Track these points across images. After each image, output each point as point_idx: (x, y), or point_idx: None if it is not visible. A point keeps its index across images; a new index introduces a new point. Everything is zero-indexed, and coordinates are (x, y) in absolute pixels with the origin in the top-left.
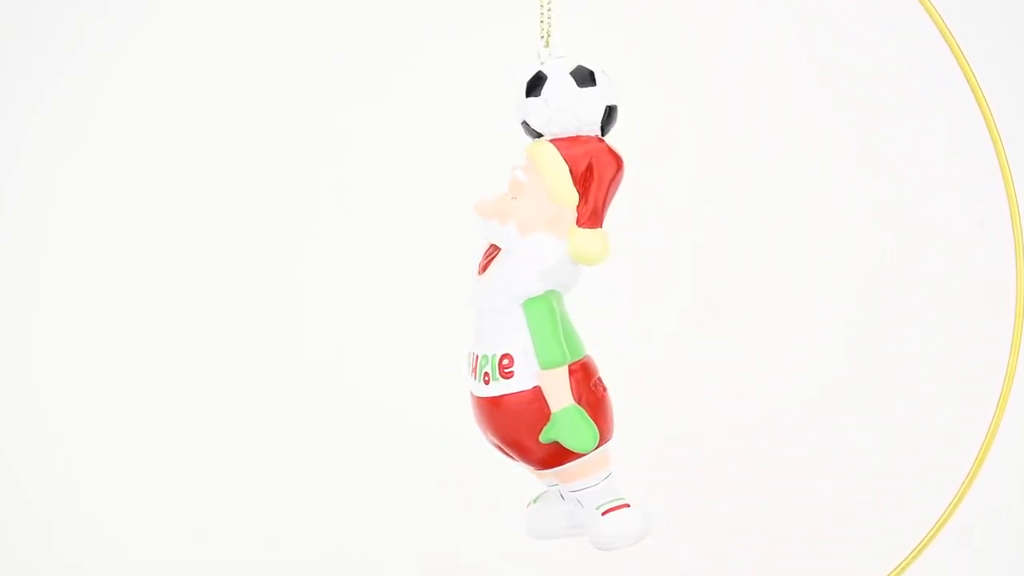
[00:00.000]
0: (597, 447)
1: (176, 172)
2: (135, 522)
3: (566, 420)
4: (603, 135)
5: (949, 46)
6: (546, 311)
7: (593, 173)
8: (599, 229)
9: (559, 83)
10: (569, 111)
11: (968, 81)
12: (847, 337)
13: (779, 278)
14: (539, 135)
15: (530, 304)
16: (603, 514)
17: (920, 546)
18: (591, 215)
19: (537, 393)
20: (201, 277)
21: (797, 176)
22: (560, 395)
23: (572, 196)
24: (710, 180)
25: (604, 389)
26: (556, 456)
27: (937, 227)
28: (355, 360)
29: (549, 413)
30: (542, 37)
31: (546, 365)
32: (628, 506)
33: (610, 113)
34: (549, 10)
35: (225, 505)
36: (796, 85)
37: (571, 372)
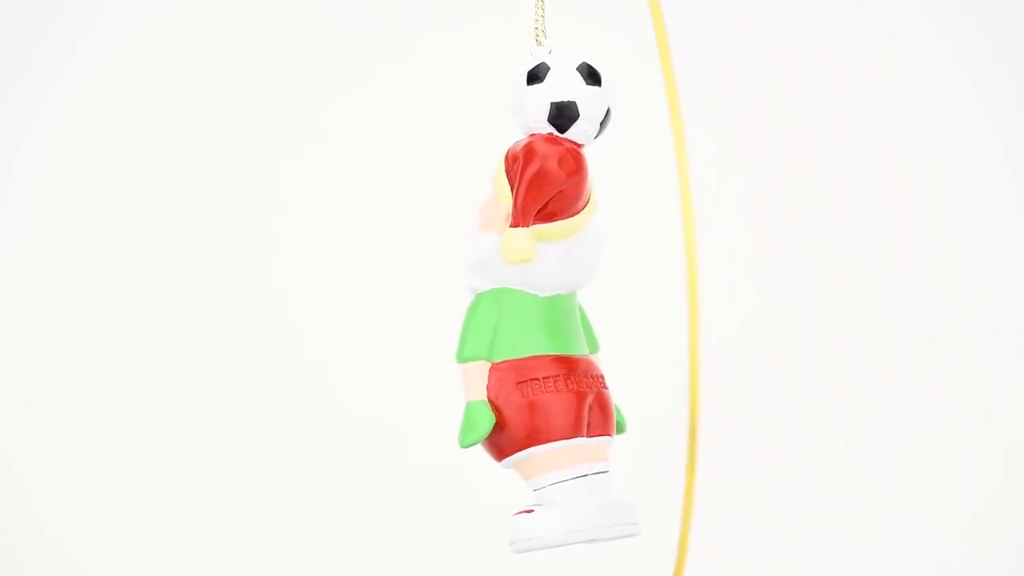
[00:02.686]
0: (516, 451)
1: (172, 175)
2: (133, 520)
3: (464, 413)
4: (561, 132)
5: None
6: (474, 308)
7: (519, 171)
8: (519, 228)
9: (515, 81)
10: (519, 109)
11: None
12: (855, 342)
13: (785, 281)
14: None
15: (473, 299)
16: (514, 515)
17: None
18: (513, 213)
19: None
20: (200, 278)
21: (800, 177)
22: (466, 389)
23: (506, 193)
24: (718, 180)
25: (547, 392)
26: (493, 449)
27: (946, 231)
28: (353, 358)
29: None
30: (537, 32)
31: (456, 358)
32: (531, 511)
33: (567, 110)
34: (543, 9)
35: (223, 504)
36: (799, 86)
37: (495, 369)
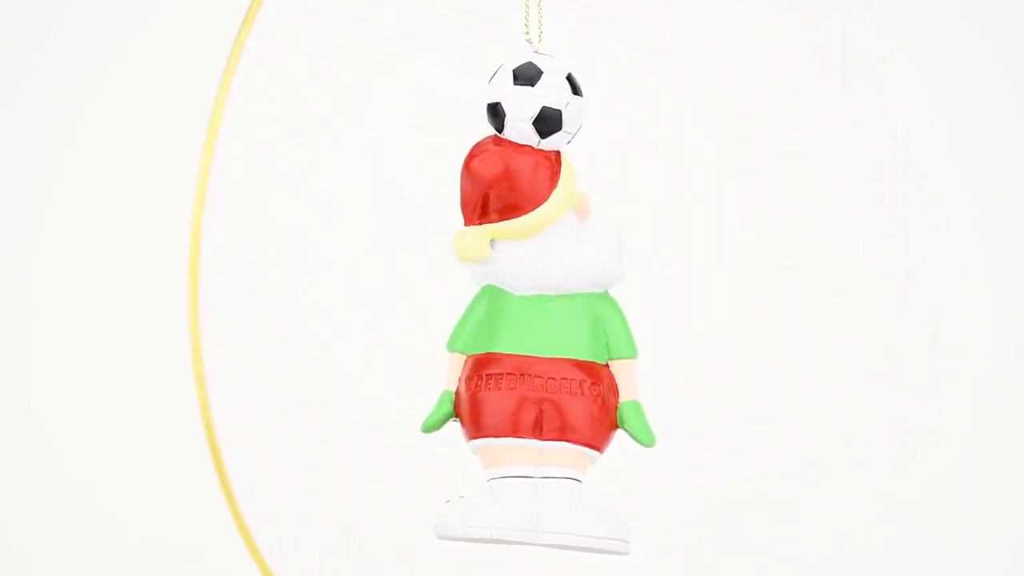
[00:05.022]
0: (472, 439)
1: (172, 176)
2: (133, 521)
3: None
4: (500, 133)
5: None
6: (470, 302)
7: None
8: (467, 227)
9: None
10: None
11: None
12: (855, 342)
13: (785, 281)
14: None
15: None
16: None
17: None
18: None
19: None
20: (199, 278)
21: (800, 177)
22: (445, 378)
23: None
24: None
25: (486, 390)
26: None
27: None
28: (355, 357)
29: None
30: (527, 31)
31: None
32: (448, 502)
33: (493, 110)
34: (538, 9)
35: (224, 504)
36: (803, 91)
37: (466, 363)
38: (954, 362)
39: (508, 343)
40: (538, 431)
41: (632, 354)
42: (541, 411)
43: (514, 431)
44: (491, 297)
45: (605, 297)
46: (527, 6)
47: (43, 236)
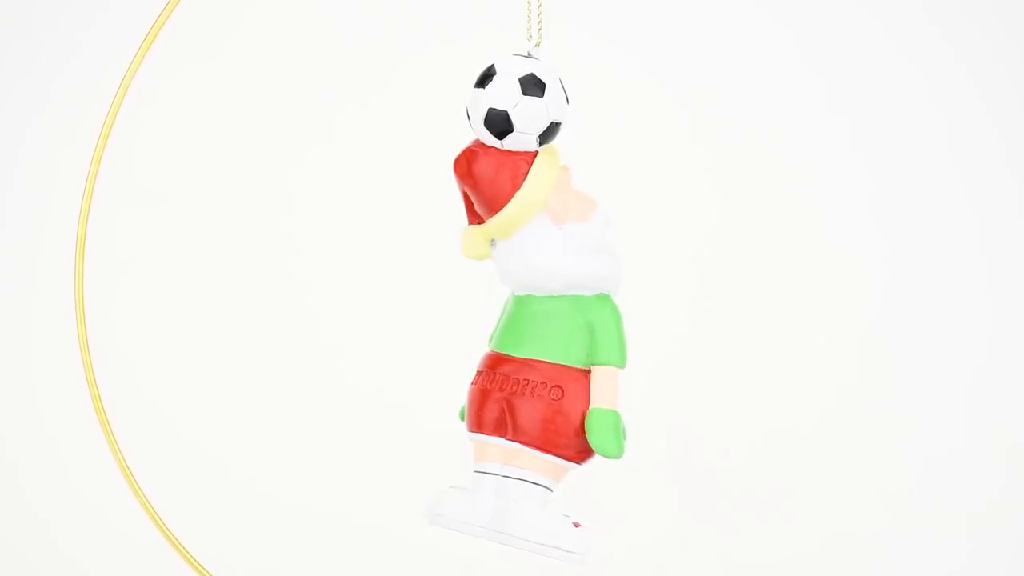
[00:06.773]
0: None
1: (173, 176)
2: (135, 520)
3: None
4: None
5: None
6: None
7: None
8: (469, 226)
9: None
10: None
11: None
12: (854, 342)
13: (784, 281)
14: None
15: None
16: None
17: None
18: None
19: None
20: (201, 278)
21: (800, 178)
22: None
23: None
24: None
25: (472, 385)
26: None
27: (941, 233)
28: (360, 357)
29: None
30: (529, 34)
31: None
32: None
33: (466, 113)
34: (538, 13)
35: (227, 503)
36: (800, 92)
37: None
38: (954, 362)
39: (497, 341)
40: (504, 430)
41: (614, 361)
42: (503, 410)
43: (482, 428)
44: (512, 296)
45: (600, 300)
46: (528, 6)
47: (44, 236)
